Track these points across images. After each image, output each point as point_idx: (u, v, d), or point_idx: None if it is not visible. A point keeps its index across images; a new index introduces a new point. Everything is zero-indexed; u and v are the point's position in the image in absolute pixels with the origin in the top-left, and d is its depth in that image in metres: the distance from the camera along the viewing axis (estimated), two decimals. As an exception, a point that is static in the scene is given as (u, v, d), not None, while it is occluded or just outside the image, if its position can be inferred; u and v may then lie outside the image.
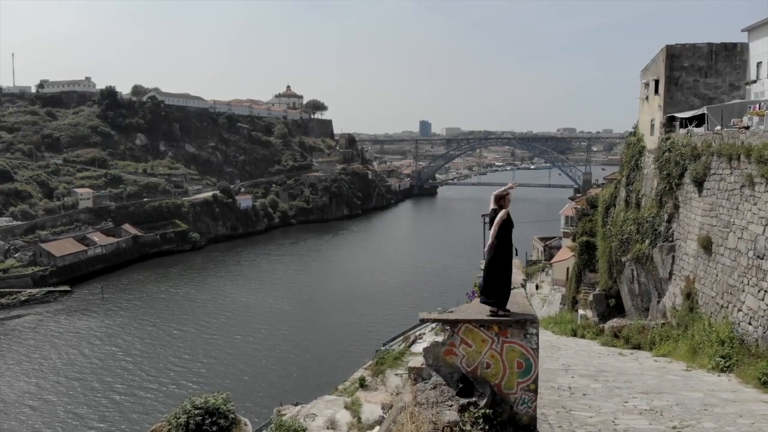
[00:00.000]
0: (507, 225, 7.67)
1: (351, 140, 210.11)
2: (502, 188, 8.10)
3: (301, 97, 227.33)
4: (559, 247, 57.59)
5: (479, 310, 7.34)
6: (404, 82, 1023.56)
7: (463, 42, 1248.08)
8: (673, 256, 18.06)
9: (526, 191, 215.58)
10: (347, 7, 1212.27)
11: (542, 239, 64.90)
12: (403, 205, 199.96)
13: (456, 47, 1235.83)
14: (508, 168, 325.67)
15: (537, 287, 48.81)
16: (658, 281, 19.10)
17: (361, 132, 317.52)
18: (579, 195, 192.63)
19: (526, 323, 6.82)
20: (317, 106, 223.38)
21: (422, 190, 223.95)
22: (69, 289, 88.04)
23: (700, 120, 18.96)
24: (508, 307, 7.21)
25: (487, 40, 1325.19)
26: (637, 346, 16.30)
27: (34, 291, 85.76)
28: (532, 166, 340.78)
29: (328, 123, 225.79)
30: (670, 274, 18.20)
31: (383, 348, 59.58)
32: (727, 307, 14.08)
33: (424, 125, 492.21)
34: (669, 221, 18.83)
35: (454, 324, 6.95)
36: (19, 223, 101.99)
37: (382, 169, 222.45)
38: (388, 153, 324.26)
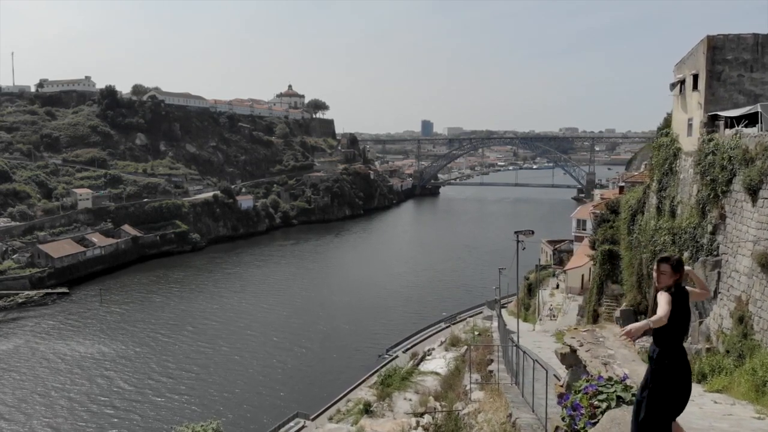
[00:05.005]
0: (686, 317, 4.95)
1: (353, 140, 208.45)
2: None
3: (302, 96, 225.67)
4: (569, 251, 55.61)
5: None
6: (406, 81, 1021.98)
7: (465, 42, 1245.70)
8: (719, 273, 16.23)
9: (528, 191, 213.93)
10: (349, 7, 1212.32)
11: (551, 242, 62.75)
12: (405, 205, 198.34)
13: (458, 47, 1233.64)
14: (511, 168, 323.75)
15: (552, 294, 46.73)
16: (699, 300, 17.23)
17: (362, 132, 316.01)
18: (583, 195, 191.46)
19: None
20: (319, 105, 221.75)
21: (424, 190, 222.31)
22: (67, 291, 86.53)
23: (750, 119, 17.06)
24: None
25: (489, 41, 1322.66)
26: (683, 376, 14.34)
27: (31, 293, 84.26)
28: (534, 166, 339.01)
29: (329, 123, 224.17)
30: (715, 292, 16.35)
31: (387, 355, 58.12)
32: (793, 336, 12.18)
33: (426, 125, 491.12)
34: (713, 233, 16.98)
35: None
36: (18, 223, 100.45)
37: (384, 169, 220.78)
38: (390, 153, 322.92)
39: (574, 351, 7.36)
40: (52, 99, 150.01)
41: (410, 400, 19.21)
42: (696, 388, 13.41)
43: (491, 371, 14.68)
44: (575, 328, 8.54)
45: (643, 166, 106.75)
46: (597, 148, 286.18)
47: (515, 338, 21.22)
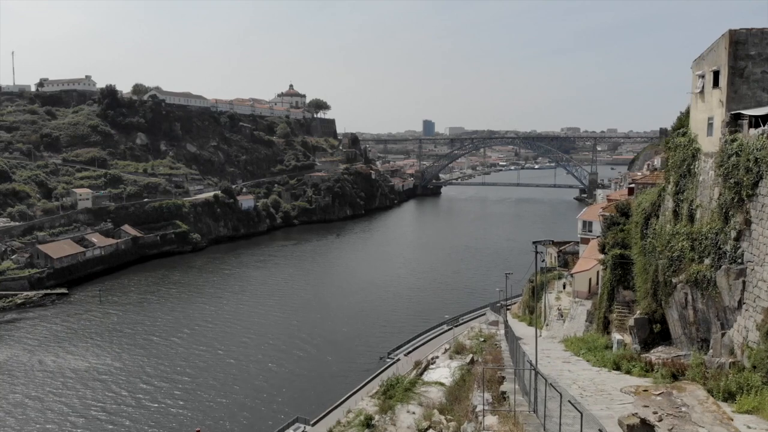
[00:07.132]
0: None
1: (354, 140, 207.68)
2: None
3: (303, 96, 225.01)
4: (574, 253, 54.51)
5: None
6: (408, 81, 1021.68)
7: (467, 42, 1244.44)
8: (744, 282, 15.31)
9: (530, 191, 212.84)
10: (351, 7, 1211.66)
11: (556, 244, 61.43)
12: (406, 205, 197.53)
13: (459, 47, 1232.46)
14: (512, 168, 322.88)
15: (558, 297, 45.51)
16: (721, 310, 16.34)
17: (364, 131, 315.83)
18: (585, 195, 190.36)
19: None
20: (320, 105, 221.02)
21: (426, 190, 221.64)
22: (66, 291, 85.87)
23: (777, 118, 16.11)
24: None
25: (490, 40, 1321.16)
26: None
27: (30, 294, 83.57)
28: (536, 166, 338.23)
29: (331, 122, 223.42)
30: (740, 302, 15.44)
31: (388, 359, 57.24)
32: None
33: (428, 125, 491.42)
34: (737, 239, 16.07)
35: None
36: (17, 223, 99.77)
37: (385, 169, 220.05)
38: (392, 153, 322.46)
39: (646, 423, 6.29)
40: (53, 98, 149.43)
41: (413, 413, 18.31)
42: (724, 408, 12.44)
43: (504, 393, 13.68)
44: (645, 390, 7.43)
45: (645, 166, 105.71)
46: (599, 148, 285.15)
47: (524, 347, 20.25)
